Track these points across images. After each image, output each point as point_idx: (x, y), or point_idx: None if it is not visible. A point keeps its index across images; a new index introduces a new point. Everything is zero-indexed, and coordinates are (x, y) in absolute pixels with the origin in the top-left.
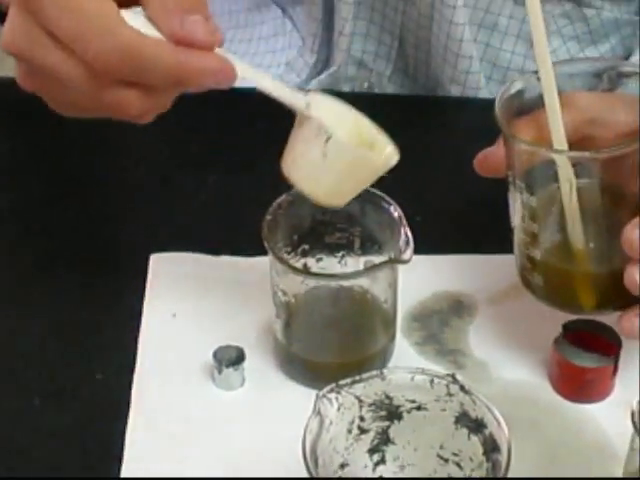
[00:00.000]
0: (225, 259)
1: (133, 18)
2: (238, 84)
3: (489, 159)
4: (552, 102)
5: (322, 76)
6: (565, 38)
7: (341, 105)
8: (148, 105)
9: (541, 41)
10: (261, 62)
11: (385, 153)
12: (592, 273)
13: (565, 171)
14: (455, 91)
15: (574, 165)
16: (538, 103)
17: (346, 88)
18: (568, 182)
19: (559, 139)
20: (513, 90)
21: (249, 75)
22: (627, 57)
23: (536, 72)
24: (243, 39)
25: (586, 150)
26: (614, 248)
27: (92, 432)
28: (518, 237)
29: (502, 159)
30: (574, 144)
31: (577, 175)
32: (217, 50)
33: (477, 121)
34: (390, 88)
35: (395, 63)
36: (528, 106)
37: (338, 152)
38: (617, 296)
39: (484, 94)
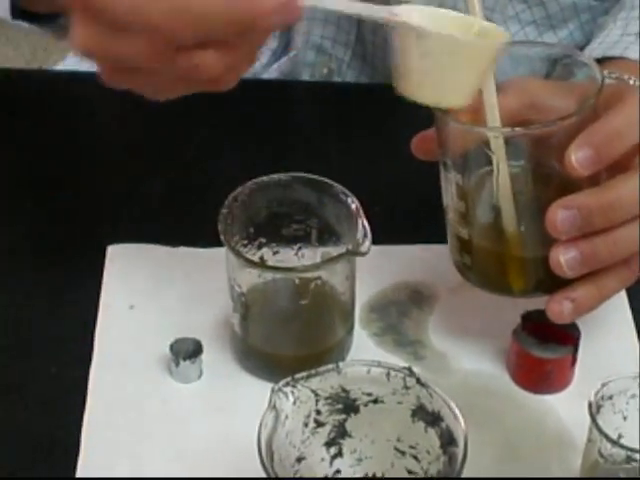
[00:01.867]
0: (183, 250)
1: None
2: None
3: (426, 142)
4: (489, 83)
5: (282, 60)
6: (523, 23)
7: (430, 12)
8: (226, 62)
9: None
10: None
11: (492, 36)
12: (522, 257)
13: (498, 151)
14: None
15: (506, 144)
16: None
17: (306, 74)
18: (500, 162)
19: (493, 118)
20: None
21: (318, 2)
22: (586, 43)
23: None
24: None
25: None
26: (544, 231)
27: (47, 426)
28: (449, 217)
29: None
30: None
31: (509, 157)
32: None
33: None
34: (349, 75)
35: (354, 49)
36: None
37: (443, 47)
38: (547, 280)
39: None
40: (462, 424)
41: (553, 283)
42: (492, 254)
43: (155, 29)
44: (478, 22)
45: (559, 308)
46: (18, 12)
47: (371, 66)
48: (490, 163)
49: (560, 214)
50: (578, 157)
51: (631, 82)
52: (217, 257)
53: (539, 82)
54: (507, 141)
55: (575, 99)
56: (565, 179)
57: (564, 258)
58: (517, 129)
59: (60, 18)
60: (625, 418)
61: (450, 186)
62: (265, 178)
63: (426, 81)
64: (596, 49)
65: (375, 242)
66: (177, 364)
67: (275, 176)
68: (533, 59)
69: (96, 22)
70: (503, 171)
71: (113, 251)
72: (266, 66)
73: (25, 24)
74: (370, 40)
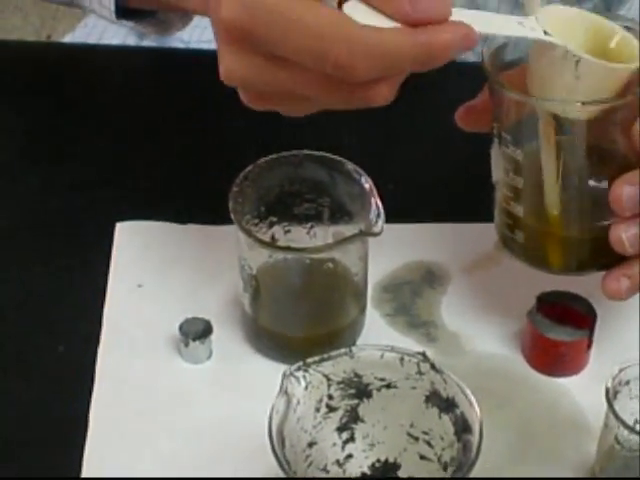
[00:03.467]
0: (193, 227)
1: (354, 11)
2: None
3: (471, 112)
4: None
5: None
6: None
7: (569, 15)
8: (394, 91)
9: None
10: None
11: (631, 55)
12: (570, 236)
13: (547, 126)
14: None
15: (559, 121)
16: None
17: None
18: (547, 137)
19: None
20: (501, 41)
21: (484, 29)
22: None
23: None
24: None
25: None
26: (596, 210)
27: (55, 406)
28: (501, 192)
29: (483, 112)
30: None
31: (562, 132)
32: None
33: (452, 86)
34: None
35: None
36: (517, 59)
37: (592, 72)
38: (596, 258)
39: (466, 55)
40: (477, 411)
41: (598, 262)
42: (542, 232)
43: (335, 70)
44: (619, 32)
45: (617, 285)
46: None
47: None
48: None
49: (626, 190)
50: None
51: None
52: (227, 235)
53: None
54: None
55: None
56: (621, 157)
57: (626, 235)
58: (573, 104)
59: (159, 13)
60: None
61: (505, 161)
62: (276, 156)
63: (565, 94)
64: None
65: (388, 220)
66: (186, 344)
67: (286, 154)
68: None
69: (255, 54)
70: (549, 147)
71: (122, 228)
72: None
73: (129, 24)
74: None
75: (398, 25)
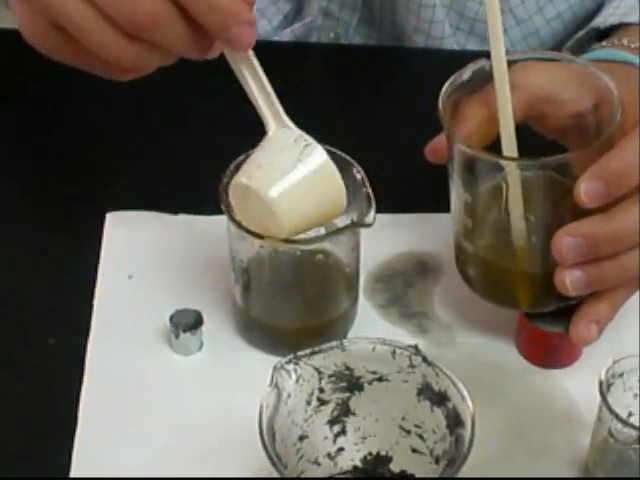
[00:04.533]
0: (184, 218)
1: None
2: None
3: (437, 150)
4: (503, 87)
5: (296, 25)
6: None
7: None
8: (158, 61)
9: (496, 27)
10: None
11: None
12: (530, 272)
13: (512, 174)
14: (419, 40)
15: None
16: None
17: (312, 38)
18: (512, 185)
19: (509, 145)
20: (459, 80)
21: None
22: (586, 17)
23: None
24: None
25: (533, 158)
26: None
27: (45, 398)
28: (454, 228)
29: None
30: (526, 120)
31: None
32: None
33: (443, 74)
34: (356, 39)
35: (361, 12)
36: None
37: (314, 161)
38: (554, 294)
39: (450, 44)
40: (470, 405)
41: (560, 297)
42: (499, 269)
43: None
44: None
45: (588, 333)
46: None
47: (378, 30)
48: (498, 179)
49: (566, 241)
50: (587, 189)
51: None
52: (218, 225)
53: (550, 69)
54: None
55: (587, 86)
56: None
57: (570, 279)
58: (534, 161)
59: None
60: (636, 396)
61: (457, 200)
62: None
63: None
64: (612, 15)
65: (380, 210)
66: (177, 336)
67: None
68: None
69: (41, 17)
70: (515, 191)
71: (112, 218)
72: (277, 29)
73: None
74: (377, 3)
75: None
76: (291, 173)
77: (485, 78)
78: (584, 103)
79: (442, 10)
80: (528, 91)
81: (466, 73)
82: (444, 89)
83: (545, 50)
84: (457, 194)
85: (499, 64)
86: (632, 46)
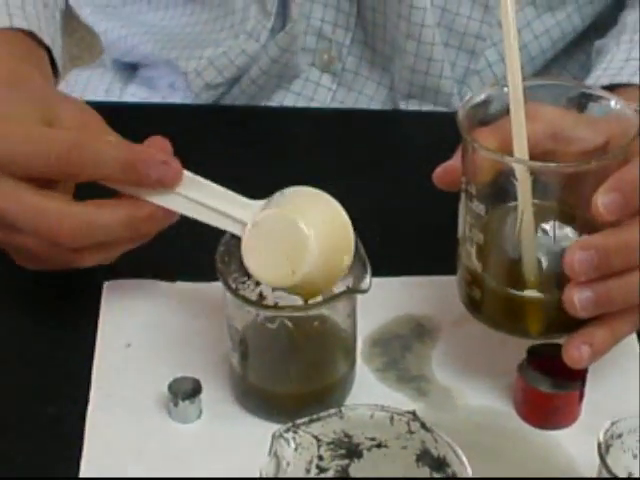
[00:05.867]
0: (181, 285)
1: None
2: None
3: (448, 172)
4: (518, 113)
5: (279, 36)
6: (522, 4)
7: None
8: (100, 259)
9: (513, 49)
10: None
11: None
12: (540, 297)
13: (523, 184)
14: (411, 48)
15: (533, 181)
16: (502, 115)
17: (306, 60)
18: (525, 197)
19: (521, 149)
20: (478, 99)
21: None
22: (583, 27)
23: (504, 85)
24: (209, 19)
25: (549, 162)
26: (562, 272)
27: (44, 468)
28: (463, 248)
29: (459, 173)
30: (534, 158)
31: (534, 193)
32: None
33: (436, 137)
34: (350, 61)
35: (354, 32)
36: (492, 118)
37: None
38: (563, 322)
39: (440, 54)
40: (469, 470)
41: (568, 325)
42: (506, 292)
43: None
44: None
45: (578, 354)
46: None
47: (372, 49)
48: (515, 198)
49: (578, 255)
50: (605, 202)
51: None
52: (216, 292)
53: (560, 111)
54: (534, 176)
55: (597, 130)
56: (589, 220)
57: (578, 298)
58: (550, 165)
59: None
60: (635, 456)
61: (470, 216)
62: None
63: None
64: (602, 76)
65: (376, 274)
66: (176, 404)
67: None
68: (547, 91)
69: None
70: (527, 206)
71: (109, 287)
72: (265, 47)
73: None
74: (371, 20)
75: None
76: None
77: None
78: (594, 141)
79: (432, 14)
80: (538, 125)
81: (483, 94)
82: (462, 103)
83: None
84: (471, 210)
85: (515, 91)
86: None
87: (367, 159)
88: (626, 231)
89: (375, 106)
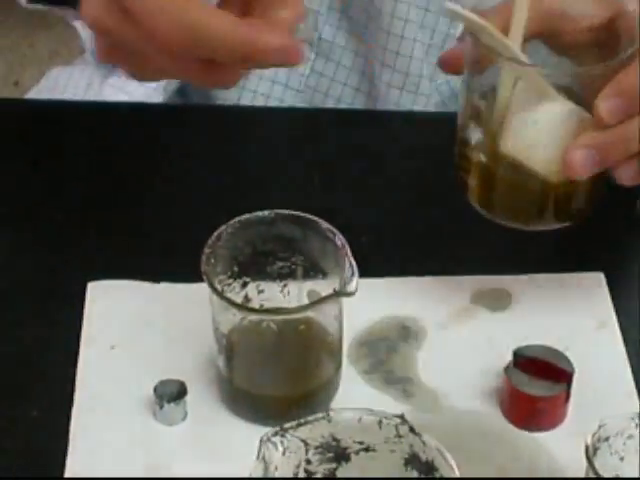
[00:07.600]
0: (165, 286)
1: None
2: None
3: (454, 56)
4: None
5: None
6: None
7: None
8: (214, 79)
9: None
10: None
11: None
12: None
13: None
14: (389, 60)
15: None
16: None
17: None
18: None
19: (516, 36)
20: None
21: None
22: None
23: None
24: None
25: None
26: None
27: (29, 471)
28: (458, 136)
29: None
30: (540, 35)
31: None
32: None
33: (422, 138)
34: (327, 30)
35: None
36: None
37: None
38: (558, 208)
39: (419, 68)
40: (457, 474)
41: (559, 213)
42: (501, 178)
43: (160, 38)
44: None
45: (580, 157)
46: None
47: (347, 18)
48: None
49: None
50: (608, 106)
51: None
52: (201, 293)
53: None
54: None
55: (604, 8)
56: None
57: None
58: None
59: None
60: (622, 459)
61: (467, 105)
62: (249, 215)
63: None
64: None
65: (363, 274)
66: (161, 406)
67: (259, 213)
68: None
69: (114, 2)
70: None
71: (93, 288)
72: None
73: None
74: (363, 20)
75: None
76: None
77: None
78: (599, 17)
79: (413, 28)
80: (543, 6)
81: None
82: None
83: None
84: (468, 100)
85: None
86: None
87: (351, 160)
88: (624, 125)
89: (353, 77)
